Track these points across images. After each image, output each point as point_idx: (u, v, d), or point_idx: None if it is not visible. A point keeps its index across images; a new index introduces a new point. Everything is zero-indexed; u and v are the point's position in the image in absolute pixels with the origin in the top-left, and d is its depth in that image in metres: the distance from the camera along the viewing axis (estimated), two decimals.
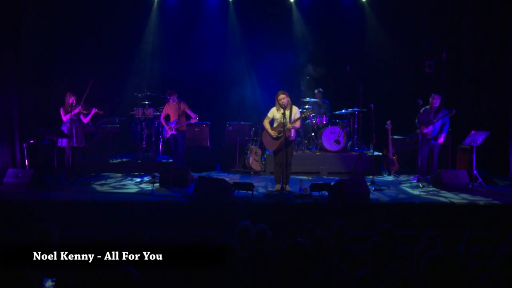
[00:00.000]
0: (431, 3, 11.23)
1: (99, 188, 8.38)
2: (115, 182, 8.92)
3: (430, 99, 8.77)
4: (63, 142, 8.57)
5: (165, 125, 9.36)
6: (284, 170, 7.86)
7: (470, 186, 8.38)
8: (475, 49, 10.48)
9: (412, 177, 8.98)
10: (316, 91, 10.74)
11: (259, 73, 11.64)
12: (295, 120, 7.80)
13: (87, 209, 7.17)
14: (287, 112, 7.72)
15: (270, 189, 8.23)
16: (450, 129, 9.44)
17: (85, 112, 8.86)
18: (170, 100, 9.37)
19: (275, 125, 7.99)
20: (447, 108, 8.90)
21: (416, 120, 8.94)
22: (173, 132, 9.29)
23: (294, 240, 3.01)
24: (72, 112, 8.52)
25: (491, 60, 10.27)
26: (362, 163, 9.54)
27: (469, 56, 10.59)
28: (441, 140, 8.75)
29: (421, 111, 8.86)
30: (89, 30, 11.33)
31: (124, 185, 8.70)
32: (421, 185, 8.52)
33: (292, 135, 7.93)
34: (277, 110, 7.87)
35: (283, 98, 7.72)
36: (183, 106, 9.36)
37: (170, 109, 9.37)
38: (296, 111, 7.91)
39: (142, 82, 11.34)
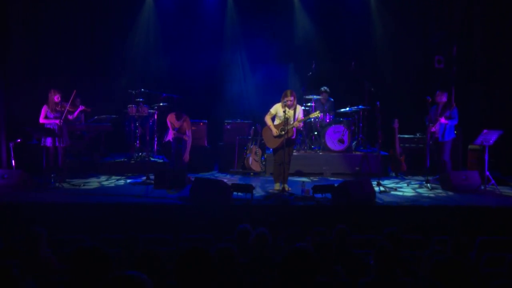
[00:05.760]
0: None
1: (90, 189, 8.37)
2: (108, 183, 8.91)
3: (435, 97, 8.79)
4: (47, 142, 8.55)
5: (170, 129, 9.29)
6: (285, 169, 7.93)
7: (482, 188, 8.36)
8: (487, 43, 10.47)
9: (430, 178, 8.89)
10: (322, 89, 10.70)
11: (259, 69, 11.62)
12: (301, 120, 7.95)
13: (78, 211, 7.15)
14: (291, 111, 7.80)
15: (270, 190, 8.23)
16: (459, 128, 9.44)
17: (71, 109, 8.84)
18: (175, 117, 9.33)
19: (276, 122, 8.05)
20: (457, 105, 8.89)
21: (426, 119, 8.93)
22: (177, 136, 9.21)
23: (297, 246, 3.01)
24: (63, 111, 8.51)
25: (504, 55, 10.27)
26: (367, 164, 9.53)
27: (481, 51, 10.59)
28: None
29: (431, 110, 8.87)
30: (81, 26, 11.33)
31: (117, 186, 8.68)
32: (429, 187, 8.51)
33: (294, 134, 8.00)
34: (282, 107, 7.92)
35: (289, 100, 7.79)
36: (186, 125, 9.25)
37: (173, 120, 9.33)
38: (299, 110, 8.03)
39: (136, 78, 11.33)
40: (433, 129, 8.74)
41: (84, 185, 8.60)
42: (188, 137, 9.12)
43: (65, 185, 8.51)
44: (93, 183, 8.92)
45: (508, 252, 5.05)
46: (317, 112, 8.60)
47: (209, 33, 11.79)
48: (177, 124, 9.13)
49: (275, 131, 7.97)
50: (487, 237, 5.83)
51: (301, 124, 8.08)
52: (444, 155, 8.84)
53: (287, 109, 7.80)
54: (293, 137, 8.06)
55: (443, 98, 8.76)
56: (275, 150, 8.14)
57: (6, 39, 9.57)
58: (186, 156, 9.02)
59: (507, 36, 10.17)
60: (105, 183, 8.98)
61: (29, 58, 10.34)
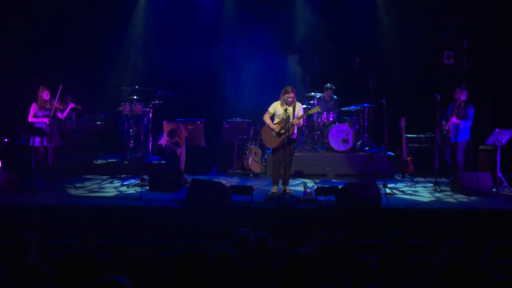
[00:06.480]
0: None
1: (82, 192, 8.36)
2: (100, 185, 8.90)
3: (454, 94, 8.83)
4: (35, 142, 8.54)
5: (165, 132, 9.30)
6: (285, 170, 7.94)
7: (494, 190, 8.36)
8: (500, 37, 10.46)
9: (439, 180, 8.91)
10: (327, 86, 10.69)
11: (259, 65, 11.61)
12: (300, 117, 7.93)
13: (69, 215, 7.15)
14: (290, 109, 7.80)
15: (270, 192, 8.22)
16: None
17: (61, 107, 8.83)
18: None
19: (276, 120, 8.05)
20: (474, 103, 8.88)
21: (442, 117, 8.98)
22: (170, 145, 9.24)
23: (298, 251, 3.00)
24: (52, 108, 8.50)
25: None
26: (372, 165, 9.54)
27: (493, 45, 10.57)
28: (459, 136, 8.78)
29: (448, 106, 8.94)
30: (72, 20, 11.35)
31: (110, 188, 8.68)
32: (438, 189, 8.51)
33: (294, 133, 7.99)
34: (281, 105, 7.92)
35: (290, 96, 7.78)
36: (180, 140, 9.26)
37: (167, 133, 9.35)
38: (299, 108, 8.01)
39: (130, 75, 11.33)
40: (446, 128, 8.77)
41: (75, 187, 8.58)
42: (181, 153, 9.15)
43: (55, 187, 8.50)
44: (85, 185, 8.90)
45: None
46: (317, 107, 8.59)
47: (206, 29, 11.80)
48: (171, 140, 9.15)
49: (276, 128, 7.96)
50: (499, 242, 5.82)
51: (301, 121, 8.08)
52: (457, 157, 8.85)
53: (286, 106, 7.81)
54: (294, 135, 8.07)
55: (462, 96, 8.76)
56: (275, 150, 8.15)
57: None
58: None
59: None
60: (97, 185, 8.97)
61: (17, 54, 10.34)
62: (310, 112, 8.47)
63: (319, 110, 9.01)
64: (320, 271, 2.91)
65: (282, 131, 7.86)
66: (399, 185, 9.08)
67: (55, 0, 11.01)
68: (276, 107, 8.05)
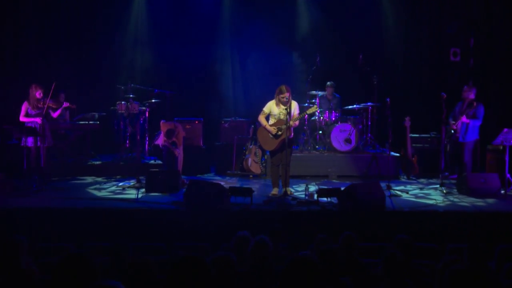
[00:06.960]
0: None
1: (76, 193, 8.34)
2: (95, 187, 8.90)
3: (462, 93, 8.86)
4: (28, 142, 8.54)
5: (162, 132, 9.32)
6: (286, 171, 7.96)
7: (502, 192, 8.37)
8: (508, 33, 10.45)
9: (445, 181, 8.94)
10: (328, 83, 10.71)
11: (259, 63, 11.62)
12: (297, 118, 7.96)
13: (62, 217, 7.14)
14: (288, 109, 7.83)
15: (270, 193, 8.22)
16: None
17: (54, 106, 8.82)
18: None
19: (271, 121, 8.05)
20: (482, 102, 8.89)
21: (450, 115, 9.00)
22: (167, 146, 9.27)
23: (300, 254, 3.01)
24: (44, 107, 8.50)
25: None
26: (376, 165, 9.53)
27: (502, 42, 10.57)
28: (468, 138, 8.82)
29: (456, 105, 8.95)
30: (65, 16, 11.33)
31: (105, 190, 8.68)
32: (444, 191, 8.52)
33: (292, 133, 8.06)
34: (276, 105, 7.93)
35: (285, 96, 7.78)
36: (178, 140, 9.27)
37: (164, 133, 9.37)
38: (295, 107, 8.03)
39: (126, 73, 11.33)
40: (454, 127, 8.79)
41: (68, 189, 8.58)
42: (179, 153, 9.17)
43: (48, 188, 8.49)
44: (79, 186, 8.90)
45: None
46: (315, 107, 8.58)
47: (204, 25, 11.79)
48: (168, 140, 9.15)
49: (272, 130, 7.96)
50: (508, 245, 5.82)
51: (297, 122, 8.09)
52: (464, 157, 8.86)
53: (281, 106, 7.82)
54: (291, 136, 8.09)
55: (470, 95, 8.78)
56: (273, 152, 8.16)
57: None
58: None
59: None
60: (91, 186, 8.96)
61: (8, 51, 10.34)
62: (307, 112, 8.43)
63: (317, 109, 8.98)
64: (322, 275, 2.91)
65: (279, 132, 7.87)
66: (404, 186, 9.07)
67: None
68: (271, 107, 8.04)
